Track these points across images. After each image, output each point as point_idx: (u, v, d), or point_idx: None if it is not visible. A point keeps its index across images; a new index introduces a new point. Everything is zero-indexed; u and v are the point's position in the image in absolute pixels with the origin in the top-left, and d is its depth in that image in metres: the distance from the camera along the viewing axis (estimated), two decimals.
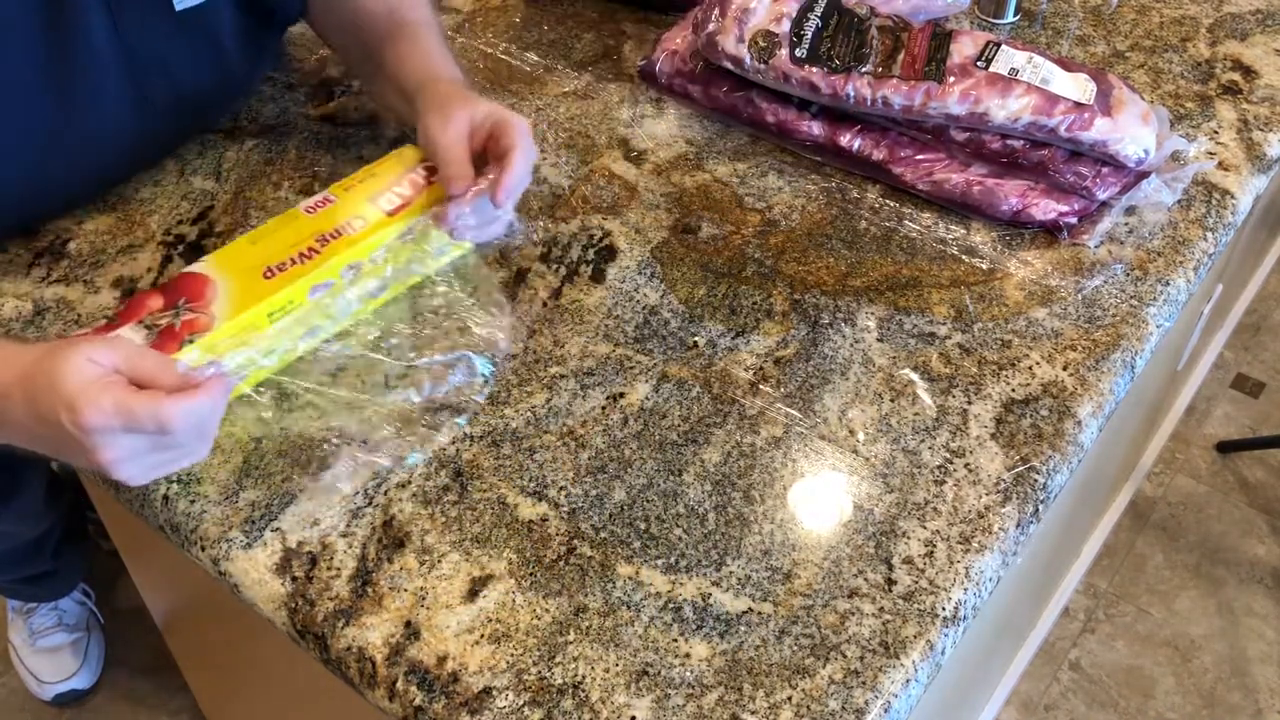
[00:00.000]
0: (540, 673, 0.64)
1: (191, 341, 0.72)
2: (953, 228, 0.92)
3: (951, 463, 0.74)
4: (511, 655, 0.64)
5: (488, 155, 0.80)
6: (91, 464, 0.61)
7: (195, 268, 0.76)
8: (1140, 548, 1.81)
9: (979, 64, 0.92)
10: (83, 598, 1.64)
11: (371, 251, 0.79)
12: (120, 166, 0.93)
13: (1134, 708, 1.61)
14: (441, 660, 0.64)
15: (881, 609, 0.66)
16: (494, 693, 0.62)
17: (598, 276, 0.87)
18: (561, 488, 0.73)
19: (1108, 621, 1.71)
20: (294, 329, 0.76)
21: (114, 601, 1.69)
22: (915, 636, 0.65)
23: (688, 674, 0.63)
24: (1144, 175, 0.91)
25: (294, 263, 0.76)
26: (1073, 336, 0.83)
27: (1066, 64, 0.92)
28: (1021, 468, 0.74)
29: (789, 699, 0.62)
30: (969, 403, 0.78)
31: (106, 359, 0.61)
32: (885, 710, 0.63)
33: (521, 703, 0.62)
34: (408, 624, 0.66)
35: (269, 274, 0.76)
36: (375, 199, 0.81)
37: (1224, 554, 1.80)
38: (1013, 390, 0.79)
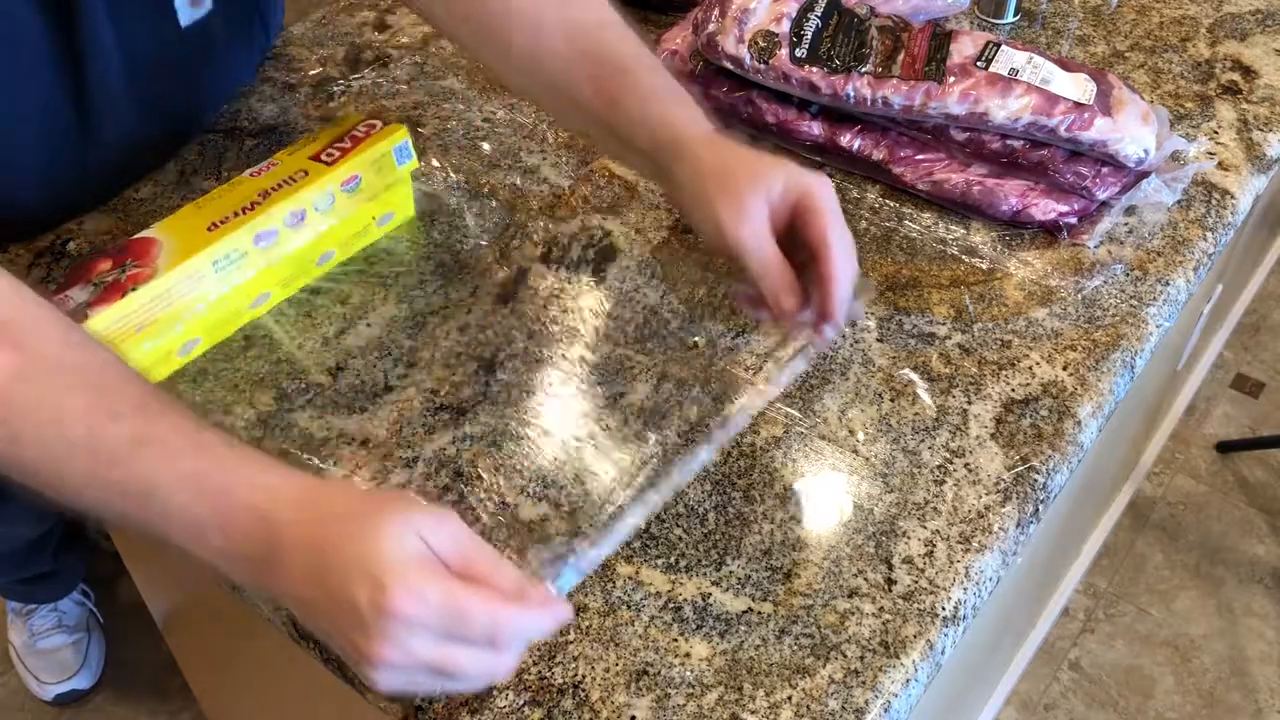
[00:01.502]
0: (540, 672, 0.64)
1: (135, 289, 0.75)
2: (953, 228, 0.92)
3: (951, 463, 0.74)
4: None
5: (793, 237, 0.67)
6: (354, 649, 0.49)
7: (142, 233, 0.78)
8: (1140, 548, 1.81)
9: (979, 64, 0.92)
10: (82, 598, 1.64)
11: (314, 200, 0.82)
12: (127, 171, 0.94)
13: (1134, 707, 1.61)
14: None
15: (881, 609, 0.66)
16: (494, 692, 0.62)
17: (598, 276, 0.87)
18: (561, 488, 0.73)
19: (1107, 621, 1.71)
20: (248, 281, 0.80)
21: (114, 601, 1.69)
22: (915, 636, 0.65)
23: (688, 674, 0.63)
24: (1144, 175, 0.91)
25: (236, 216, 0.80)
26: (1073, 336, 0.83)
27: (1066, 64, 0.92)
28: (1021, 468, 0.74)
29: (789, 699, 0.62)
30: (969, 403, 0.78)
31: (438, 540, 0.50)
32: (885, 710, 0.63)
33: (521, 702, 0.62)
34: None
35: (212, 228, 0.79)
36: (317, 156, 0.84)
37: (1224, 554, 1.80)
38: (1013, 390, 0.79)
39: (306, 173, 0.83)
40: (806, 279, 0.66)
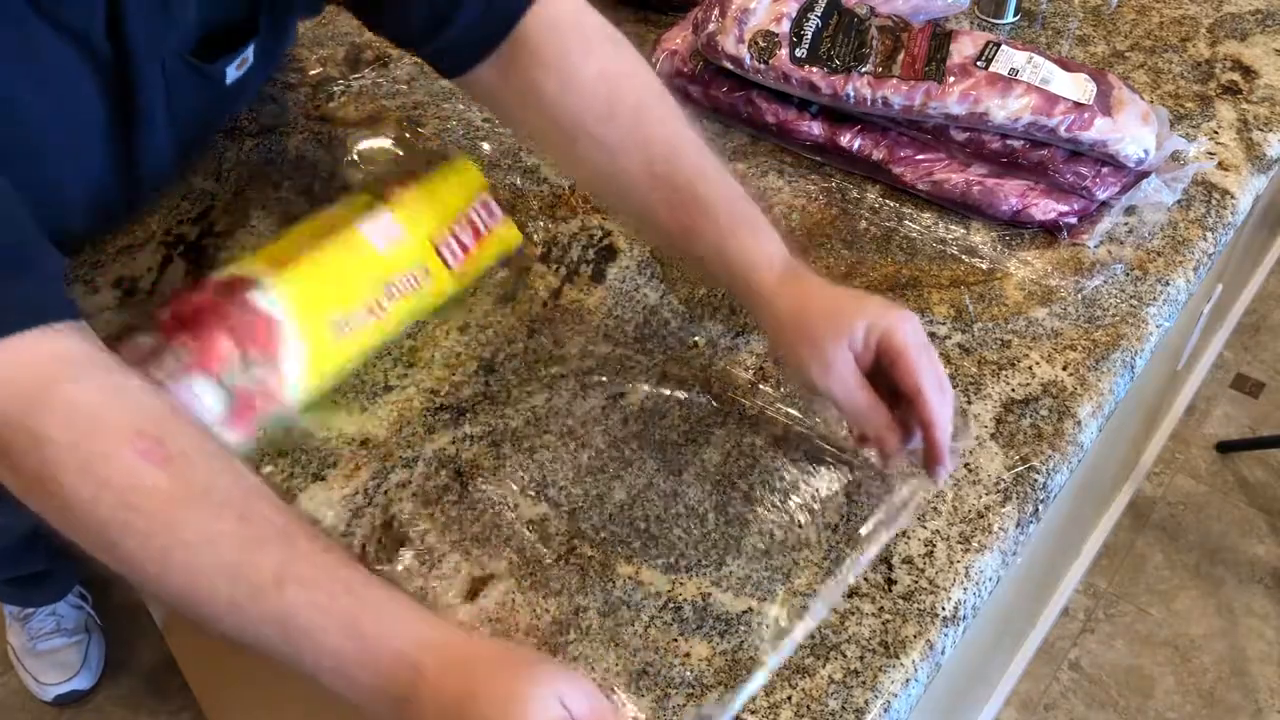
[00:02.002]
0: None
1: (264, 430, 0.72)
2: (953, 228, 0.92)
3: None
4: None
5: (883, 377, 0.66)
6: None
7: (265, 305, 0.72)
8: (1140, 548, 1.81)
9: (979, 64, 0.92)
10: (79, 601, 1.64)
11: (435, 304, 0.80)
12: (150, 198, 0.94)
13: (1134, 707, 1.61)
14: None
15: (881, 609, 0.66)
16: None
17: (598, 276, 0.87)
18: (561, 488, 0.73)
19: (1107, 621, 1.71)
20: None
21: (114, 601, 1.69)
22: (915, 636, 0.65)
23: (688, 674, 0.63)
24: (1144, 175, 0.91)
25: (363, 318, 0.76)
26: (1073, 336, 0.83)
27: (1066, 64, 0.92)
28: (1021, 468, 0.74)
29: (789, 699, 0.62)
30: (969, 403, 0.78)
31: (576, 705, 0.52)
32: (885, 710, 0.63)
33: None
34: None
35: (339, 329, 0.75)
36: (438, 241, 0.80)
37: (1224, 554, 1.80)
38: (1013, 390, 0.79)
39: (428, 271, 0.79)
40: (906, 412, 0.66)
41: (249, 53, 0.82)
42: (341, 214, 0.79)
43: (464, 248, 0.81)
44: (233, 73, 0.83)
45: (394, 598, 0.57)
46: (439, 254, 0.80)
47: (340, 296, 0.75)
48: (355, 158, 0.98)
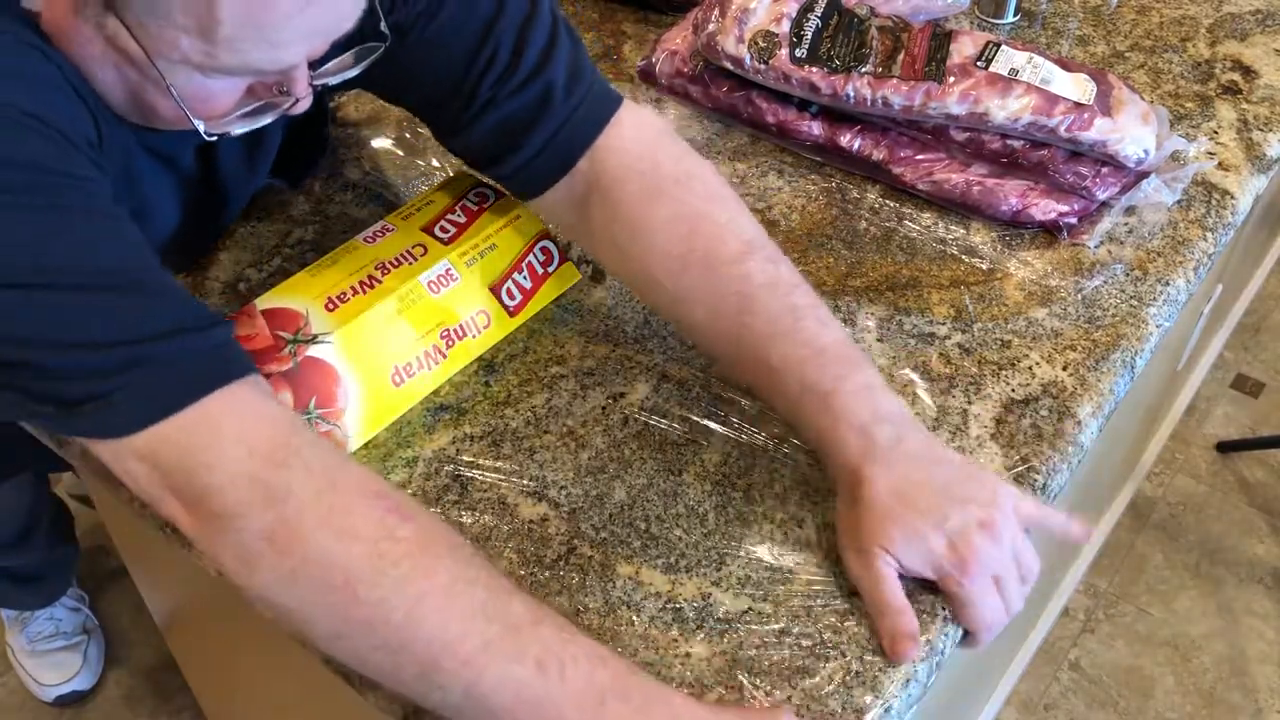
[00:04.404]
0: None
1: None
2: (953, 228, 0.92)
3: None
4: None
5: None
6: None
7: (324, 352, 0.72)
8: (1140, 548, 1.81)
9: (979, 64, 0.92)
10: (77, 604, 1.63)
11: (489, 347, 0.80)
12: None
13: (1134, 708, 1.61)
14: None
15: None
16: None
17: (598, 276, 0.87)
18: (561, 488, 0.73)
19: (1107, 621, 1.71)
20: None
21: (114, 602, 1.69)
22: None
23: (688, 674, 0.63)
24: (1144, 175, 0.91)
25: (420, 365, 0.76)
26: (1073, 336, 0.83)
27: (1066, 64, 0.92)
28: (1021, 468, 0.74)
29: (789, 699, 0.62)
30: (969, 403, 0.78)
31: None
32: (885, 710, 0.63)
33: None
34: None
35: (397, 379, 0.75)
36: (497, 288, 0.80)
37: (1224, 554, 1.80)
38: (1013, 390, 0.79)
39: (489, 317, 0.80)
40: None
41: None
42: (395, 247, 0.79)
43: (523, 291, 0.82)
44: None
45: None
46: (499, 299, 0.80)
47: (400, 349, 0.76)
48: (355, 158, 0.98)
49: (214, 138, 0.62)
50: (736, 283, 0.70)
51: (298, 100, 0.62)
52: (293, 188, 0.80)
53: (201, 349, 0.57)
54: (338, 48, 0.62)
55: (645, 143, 0.75)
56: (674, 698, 0.58)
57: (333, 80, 0.64)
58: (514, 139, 0.73)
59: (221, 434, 0.55)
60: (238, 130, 0.63)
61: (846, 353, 0.68)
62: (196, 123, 0.60)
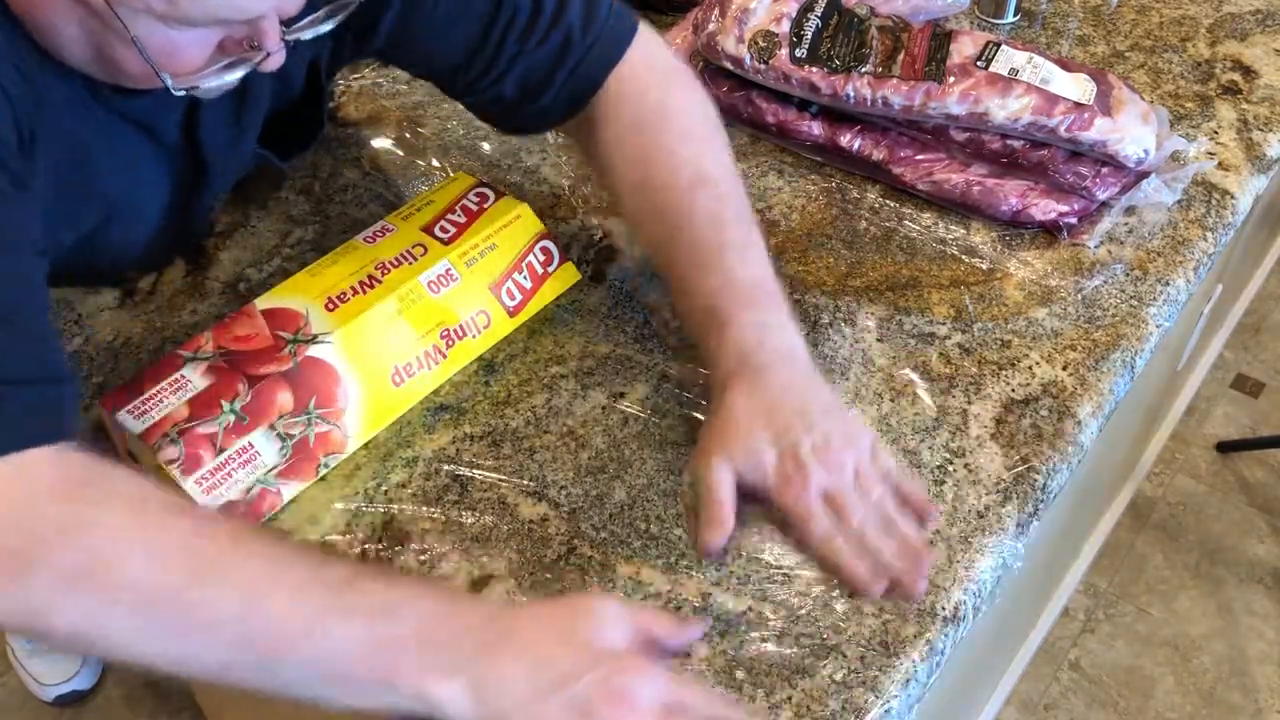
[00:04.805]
0: None
1: (327, 467, 0.72)
2: (953, 228, 0.92)
3: (951, 463, 0.74)
4: None
5: None
6: (606, 685, 0.56)
7: (324, 352, 0.73)
8: (1140, 548, 1.81)
9: (979, 64, 0.92)
10: None
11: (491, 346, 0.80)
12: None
13: (1134, 708, 1.61)
14: None
15: (881, 609, 0.66)
16: None
17: (598, 276, 0.87)
18: (561, 488, 0.73)
19: (1108, 621, 1.71)
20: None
21: None
22: (915, 636, 0.65)
23: (688, 674, 0.63)
24: (1144, 175, 0.91)
25: (420, 365, 0.77)
26: (1073, 336, 0.83)
27: (1066, 64, 0.92)
28: (1021, 468, 0.74)
29: (789, 699, 0.62)
30: (969, 403, 0.78)
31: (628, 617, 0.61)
32: (885, 710, 0.63)
33: None
34: None
35: (397, 379, 0.75)
36: (497, 288, 0.80)
37: (1224, 554, 1.80)
38: (1013, 390, 0.79)
39: (488, 317, 0.80)
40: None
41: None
42: (395, 247, 0.79)
43: (523, 290, 0.82)
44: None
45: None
46: (499, 299, 0.80)
47: (400, 349, 0.76)
48: (355, 158, 0.98)
49: (181, 93, 0.61)
50: (677, 211, 0.74)
51: (269, 55, 0.61)
52: (282, 161, 0.79)
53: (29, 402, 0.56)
54: (312, 6, 0.62)
55: (642, 80, 0.78)
56: (503, 610, 0.60)
57: (305, 35, 0.63)
58: (538, 88, 0.76)
59: (19, 484, 0.55)
60: (207, 85, 0.61)
61: (756, 292, 0.72)
62: (163, 77, 0.59)
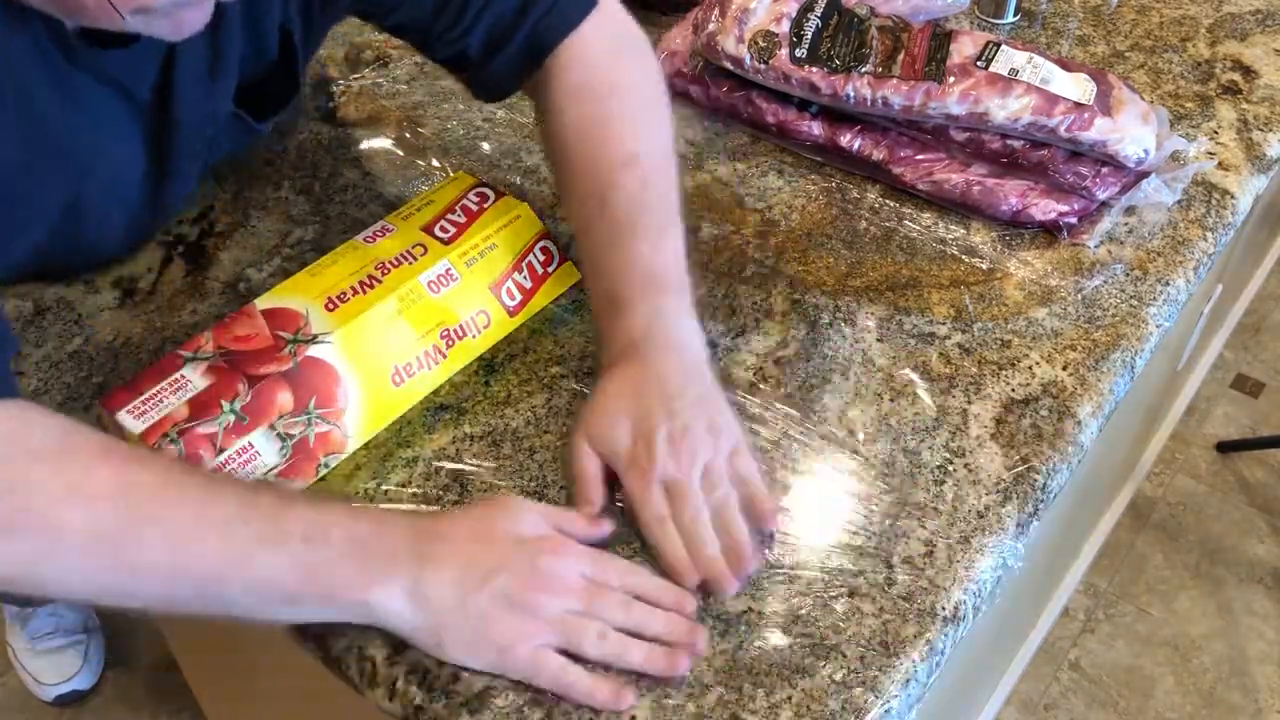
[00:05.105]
0: None
1: (327, 467, 0.72)
2: (953, 228, 0.92)
3: (951, 463, 0.74)
4: None
5: None
6: (528, 571, 0.62)
7: (324, 352, 0.73)
8: (1140, 548, 1.81)
9: (979, 64, 0.92)
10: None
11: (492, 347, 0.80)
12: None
13: (1134, 708, 1.61)
14: (441, 660, 0.63)
15: (881, 609, 0.66)
16: (494, 692, 0.62)
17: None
18: (561, 488, 0.73)
19: (1107, 621, 1.71)
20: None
21: None
22: (915, 636, 0.65)
23: (688, 674, 0.63)
24: (1144, 175, 0.91)
25: (420, 365, 0.77)
26: (1073, 336, 0.83)
27: (1066, 64, 0.92)
28: (1021, 468, 0.74)
29: (789, 699, 0.62)
30: (969, 403, 0.78)
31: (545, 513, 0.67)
32: (885, 710, 0.63)
33: (522, 702, 0.62)
34: None
35: (397, 379, 0.75)
36: (497, 287, 0.80)
37: (1224, 554, 1.80)
38: (1013, 390, 0.79)
39: (488, 317, 0.80)
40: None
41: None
42: (395, 247, 0.79)
43: (523, 290, 0.82)
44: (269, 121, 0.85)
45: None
46: (499, 299, 0.80)
47: (400, 348, 0.76)
48: (355, 158, 0.98)
49: (138, 16, 0.59)
50: (601, 190, 0.76)
51: None
52: (258, 121, 0.80)
53: None
54: None
55: (596, 48, 0.80)
56: (428, 521, 0.64)
57: None
58: (499, 44, 0.78)
59: None
60: (161, 4, 0.60)
61: (660, 280, 0.74)
62: (120, 8, 0.58)
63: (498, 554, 0.62)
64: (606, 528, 0.68)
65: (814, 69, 0.94)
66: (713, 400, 0.71)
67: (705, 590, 0.66)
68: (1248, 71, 1.08)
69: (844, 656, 0.64)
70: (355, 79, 1.07)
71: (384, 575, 0.60)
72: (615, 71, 0.81)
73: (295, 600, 0.60)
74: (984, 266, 0.88)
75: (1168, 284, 0.87)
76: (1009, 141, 0.91)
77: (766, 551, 0.68)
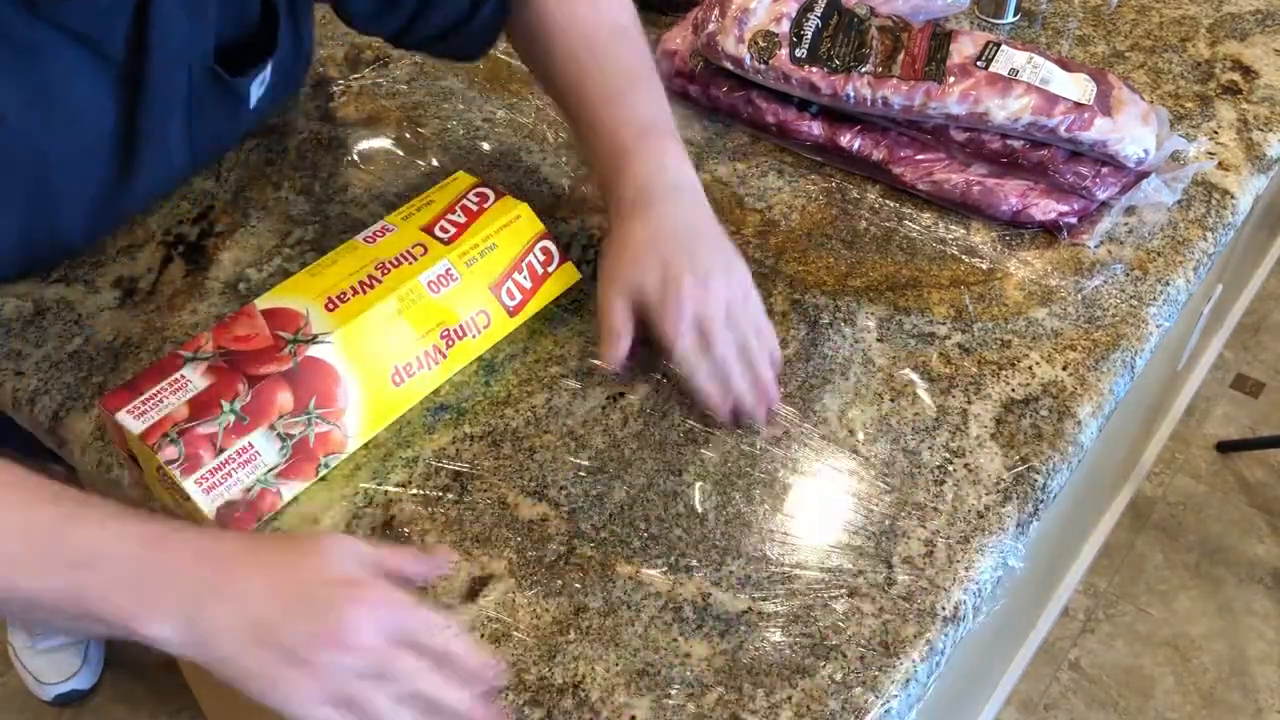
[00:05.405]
0: (540, 672, 0.64)
1: (327, 467, 0.72)
2: (953, 228, 0.92)
3: (951, 463, 0.74)
4: (511, 655, 0.64)
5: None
6: (311, 638, 0.56)
7: (324, 352, 0.72)
8: (1140, 548, 1.81)
9: (979, 64, 0.92)
10: None
11: (494, 348, 0.81)
12: (155, 200, 0.94)
13: (1134, 707, 1.61)
14: None
15: (881, 609, 0.66)
16: (493, 692, 0.62)
17: (598, 276, 0.87)
18: (561, 488, 0.73)
19: (1107, 621, 1.71)
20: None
21: None
22: (915, 636, 0.65)
23: (688, 674, 0.63)
24: (1144, 175, 0.91)
25: (420, 365, 0.77)
26: (1073, 336, 0.83)
27: (1066, 64, 0.92)
28: (1021, 468, 0.74)
29: (789, 699, 0.62)
30: (969, 403, 0.78)
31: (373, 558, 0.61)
32: (885, 710, 0.63)
33: (521, 702, 0.62)
34: None
35: (397, 379, 0.75)
36: (497, 287, 0.80)
37: (1224, 554, 1.80)
38: (1013, 390, 0.79)
39: (488, 317, 0.80)
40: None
41: (268, 71, 0.83)
42: (395, 247, 0.79)
43: (523, 290, 0.81)
44: (255, 91, 0.83)
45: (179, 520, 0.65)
46: (499, 299, 0.80)
47: (400, 349, 0.76)
48: (355, 158, 0.98)
49: None
50: (597, 55, 0.81)
51: None
52: (232, 76, 0.80)
53: None
54: None
55: None
56: (216, 545, 0.60)
57: None
58: (458, 21, 0.83)
59: None
60: None
61: (658, 129, 0.79)
62: None
63: (290, 600, 0.57)
64: (442, 561, 0.66)
65: (814, 69, 0.94)
66: (723, 240, 0.76)
67: (735, 419, 0.73)
68: (1248, 71, 1.08)
69: (844, 656, 0.64)
70: (355, 79, 1.07)
71: (157, 608, 0.56)
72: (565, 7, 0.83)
73: (77, 620, 0.57)
74: (984, 266, 0.88)
75: (1168, 284, 0.87)
76: (1009, 141, 0.91)
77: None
